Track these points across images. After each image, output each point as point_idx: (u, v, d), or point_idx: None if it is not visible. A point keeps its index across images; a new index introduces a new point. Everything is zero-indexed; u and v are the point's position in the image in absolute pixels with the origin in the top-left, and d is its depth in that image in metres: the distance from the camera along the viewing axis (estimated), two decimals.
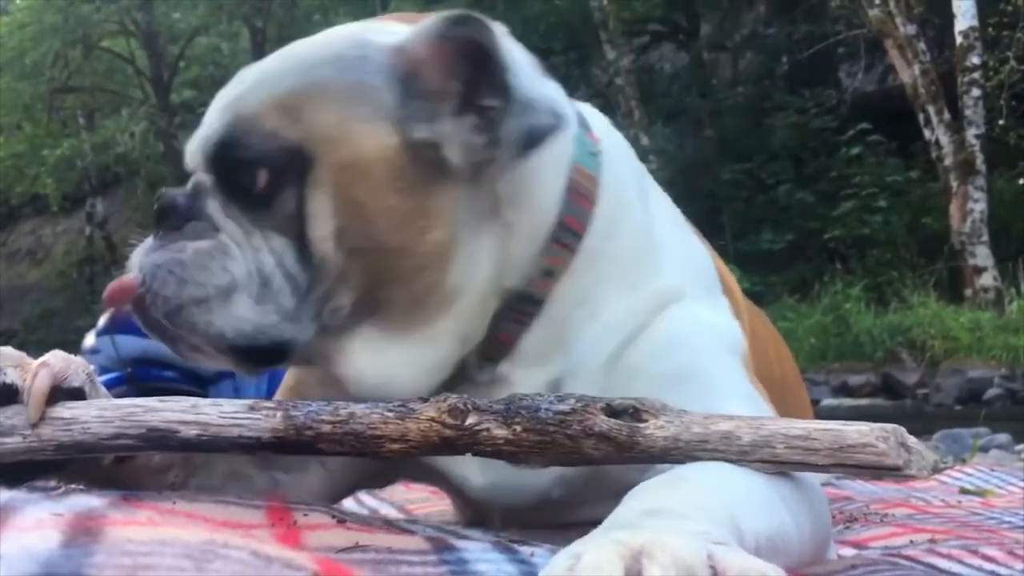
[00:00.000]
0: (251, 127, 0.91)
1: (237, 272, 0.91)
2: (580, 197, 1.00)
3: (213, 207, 0.94)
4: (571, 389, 0.95)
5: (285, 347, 0.93)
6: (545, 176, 0.98)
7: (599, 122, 1.11)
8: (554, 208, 0.98)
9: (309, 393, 1.07)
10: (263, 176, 0.90)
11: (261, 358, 0.95)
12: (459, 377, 0.99)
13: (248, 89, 0.94)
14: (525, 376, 1.00)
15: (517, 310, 0.98)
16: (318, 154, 0.89)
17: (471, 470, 1.03)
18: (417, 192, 0.91)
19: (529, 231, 0.97)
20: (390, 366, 0.95)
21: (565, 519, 1.08)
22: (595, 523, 0.67)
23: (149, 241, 0.96)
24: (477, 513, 1.19)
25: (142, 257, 0.95)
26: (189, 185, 0.98)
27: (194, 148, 0.96)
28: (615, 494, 0.82)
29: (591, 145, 1.03)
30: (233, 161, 0.92)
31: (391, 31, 0.97)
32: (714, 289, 1.11)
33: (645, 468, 0.84)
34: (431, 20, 0.93)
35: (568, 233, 0.99)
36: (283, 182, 0.90)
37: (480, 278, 0.95)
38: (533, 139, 0.89)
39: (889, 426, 0.79)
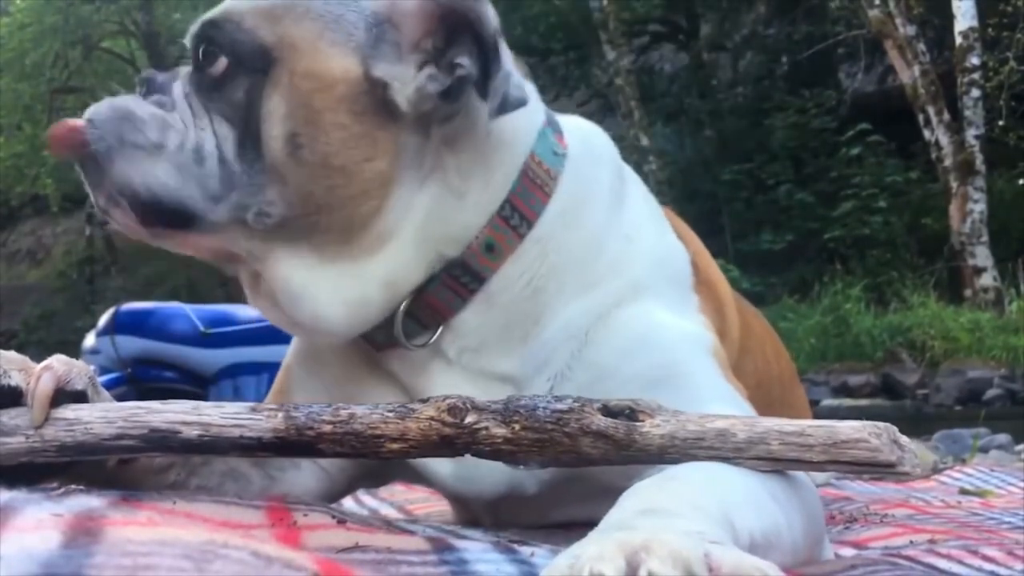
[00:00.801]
0: (235, 19, 1.00)
1: (172, 140, 0.99)
2: (535, 186, 1.04)
3: (178, 89, 1.03)
4: (532, 389, 0.99)
5: (188, 216, 0.99)
6: (501, 156, 1.02)
7: (585, 128, 1.16)
8: (504, 186, 1.02)
9: (297, 396, 1.10)
10: (222, 63, 0.99)
11: (162, 218, 1.00)
12: (387, 332, 1.02)
13: None
14: (472, 359, 1.04)
15: (454, 279, 1.01)
16: (283, 58, 0.98)
17: (438, 461, 1.04)
18: (368, 121, 0.97)
19: (475, 201, 1.01)
20: (313, 284, 1.00)
21: (551, 518, 1.09)
22: (586, 523, 0.67)
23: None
24: (467, 512, 1.20)
25: (98, 106, 1.02)
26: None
27: (192, 26, 1.04)
28: (598, 493, 0.82)
29: (556, 146, 1.08)
30: (208, 42, 1.01)
31: None
32: (682, 285, 1.12)
33: (629, 468, 0.84)
34: None
35: (516, 214, 1.02)
36: (239, 73, 0.98)
37: (413, 228, 1.00)
38: (504, 106, 0.95)
39: (881, 424, 0.80)
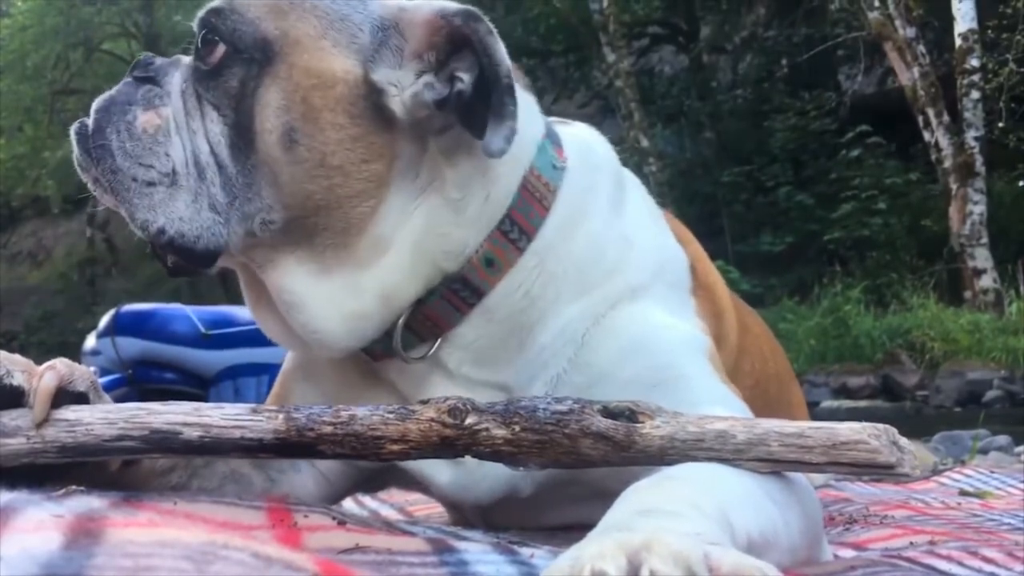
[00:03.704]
0: (239, 9, 1.00)
1: (177, 158, 0.99)
2: (534, 200, 1.04)
3: (174, 79, 1.03)
4: (530, 395, 0.97)
5: (214, 254, 0.99)
6: (501, 170, 1.02)
7: (585, 138, 1.16)
8: (504, 201, 1.02)
9: (297, 402, 1.10)
10: (220, 50, 1.00)
11: (193, 261, 1.00)
12: (385, 343, 1.03)
13: None
14: (469, 371, 1.04)
15: (453, 292, 1.01)
16: (285, 53, 0.98)
17: (437, 468, 1.05)
18: (364, 124, 0.98)
19: (474, 215, 1.01)
20: (311, 295, 1.00)
21: (544, 521, 1.09)
22: (581, 525, 0.67)
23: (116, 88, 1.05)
24: (460, 516, 1.20)
25: (99, 102, 1.03)
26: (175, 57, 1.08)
27: (198, 12, 1.04)
28: (592, 495, 0.82)
29: (555, 159, 1.08)
30: (209, 29, 1.01)
31: (405, 3, 1.03)
32: (679, 288, 1.12)
33: (624, 470, 0.84)
34: (449, 3, 1.00)
35: (516, 228, 1.02)
36: (236, 62, 0.99)
37: (410, 239, 1.00)
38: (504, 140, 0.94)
39: (880, 425, 0.80)
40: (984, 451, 3.73)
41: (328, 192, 0.97)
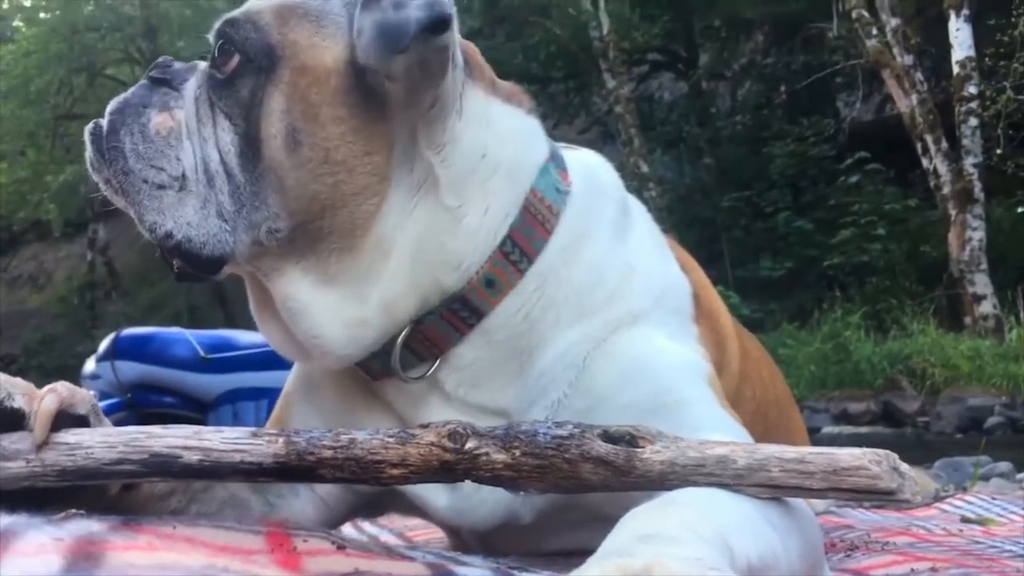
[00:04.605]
0: (252, 19, 1.02)
1: (187, 163, 1.00)
2: (536, 222, 1.04)
3: (190, 86, 1.04)
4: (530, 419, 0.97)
5: (220, 261, 1.00)
6: (499, 186, 1.03)
7: (591, 163, 1.17)
8: (504, 219, 1.03)
9: (295, 425, 1.10)
10: (235, 60, 1.01)
11: (200, 268, 1.01)
12: (384, 361, 1.03)
13: None
14: (466, 393, 1.04)
15: (453, 312, 1.01)
16: (287, 57, 0.99)
17: (435, 492, 1.05)
18: (362, 113, 0.99)
19: (471, 227, 1.01)
20: (315, 302, 1.01)
21: (543, 547, 1.09)
22: (579, 551, 0.67)
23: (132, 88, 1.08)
24: (460, 541, 1.19)
25: (114, 103, 1.05)
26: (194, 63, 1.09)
27: (215, 23, 1.06)
28: (591, 521, 0.82)
29: (559, 182, 1.09)
30: (225, 39, 1.02)
31: None
32: (681, 315, 1.12)
33: (623, 496, 0.83)
34: None
35: (516, 249, 1.03)
36: (247, 71, 1.01)
37: (409, 244, 1.00)
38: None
39: (881, 451, 0.80)
40: (985, 478, 3.71)
41: (333, 190, 0.98)
